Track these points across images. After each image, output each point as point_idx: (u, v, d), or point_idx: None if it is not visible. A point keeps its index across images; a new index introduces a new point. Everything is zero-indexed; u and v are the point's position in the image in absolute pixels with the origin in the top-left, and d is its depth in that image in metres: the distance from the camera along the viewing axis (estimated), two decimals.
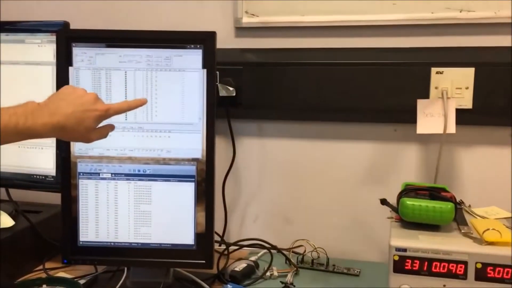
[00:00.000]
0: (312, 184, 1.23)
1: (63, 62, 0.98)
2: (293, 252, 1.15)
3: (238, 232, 1.29)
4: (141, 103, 0.88)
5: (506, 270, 0.80)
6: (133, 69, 0.97)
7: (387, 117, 1.16)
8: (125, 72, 0.97)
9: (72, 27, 1.07)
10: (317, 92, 1.16)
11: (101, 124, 0.84)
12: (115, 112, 0.84)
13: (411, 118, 1.09)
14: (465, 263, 0.81)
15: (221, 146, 1.23)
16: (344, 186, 1.21)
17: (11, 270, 1.04)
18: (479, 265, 0.81)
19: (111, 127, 0.88)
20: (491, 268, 0.81)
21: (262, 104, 1.21)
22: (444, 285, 0.82)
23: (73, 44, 0.97)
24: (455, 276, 0.82)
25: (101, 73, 0.97)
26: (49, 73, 1.08)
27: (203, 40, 0.96)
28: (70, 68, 0.97)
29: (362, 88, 1.14)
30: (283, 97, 1.19)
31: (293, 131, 1.23)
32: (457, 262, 0.82)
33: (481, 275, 0.81)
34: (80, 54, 0.97)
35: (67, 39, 0.97)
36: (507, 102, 1.06)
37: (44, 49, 1.09)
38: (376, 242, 1.20)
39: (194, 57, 0.96)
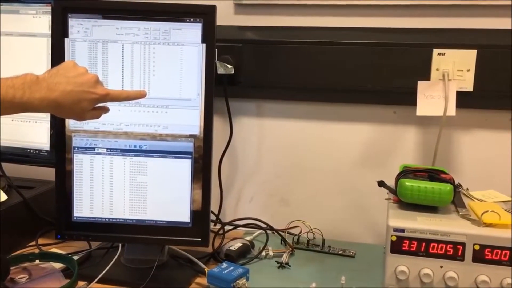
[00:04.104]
0: (309, 165, 1.22)
1: (59, 34, 0.95)
2: (288, 233, 1.15)
3: (234, 212, 1.28)
4: (140, 95, 0.88)
5: (504, 252, 0.80)
6: (130, 42, 0.95)
7: (386, 99, 1.15)
8: (122, 44, 0.95)
9: None
10: (316, 72, 1.15)
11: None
12: (112, 99, 0.84)
13: (411, 100, 1.08)
14: (463, 244, 0.81)
15: (218, 125, 1.21)
16: (341, 168, 1.20)
17: (3, 244, 1.02)
18: (477, 247, 0.81)
19: (105, 110, 0.87)
20: (489, 250, 0.80)
21: (261, 83, 1.19)
22: (441, 266, 0.82)
23: (69, 15, 0.95)
24: (452, 257, 0.82)
25: (97, 45, 0.95)
26: (44, 45, 1.06)
27: (203, 13, 0.94)
28: (65, 39, 0.95)
29: (362, 69, 1.12)
30: (282, 77, 1.17)
31: (292, 111, 1.22)
32: (455, 243, 0.81)
33: (478, 257, 0.81)
34: (76, 25, 0.95)
35: (63, 9, 0.95)
36: (508, 86, 1.05)
37: (39, 20, 1.06)
38: (372, 225, 1.19)
39: (193, 31, 0.94)
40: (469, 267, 0.81)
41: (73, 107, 0.80)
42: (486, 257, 0.80)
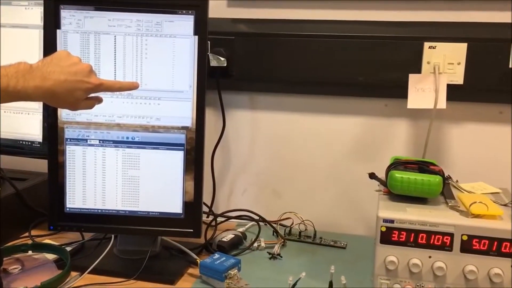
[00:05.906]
0: (301, 157, 1.23)
1: (51, 25, 0.95)
2: (280, 224, 1.16)
3: (226, 204, 1.29)
4: (133, 86, 0.88)
5: (491, 242, 0.81)
6: (122, 33, 0.95)
7: (378, 92, 1.16)
8: (115, 36, 0.95)
9: None
10: (308, 64, 1.15)
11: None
12: (106, 89, 0.85)
13: (402, 93, 1.09)
14: (451, 235, 0.82)
15: (211, 117, 1.22)
16: (333, 160, 1.21)
17: None
18: (465, 237, 0.82)
19: (99, 100, 0.87)
20: (477, 240, 0.81)
21: (253, 76, 1.20)
22: (430, 257, 0.83)
23: (61, 7, 0.95)
24: (441, 248, 0.83)
25: (89, 37, 0.95)
26: (36, 37, 1.06)
27: (195, 5, 0.94)
28: (57, 31, 0.95)
29: (354, 62, 1.13)
30: (274, 69, 1.18)
31: (284, 104, 1.22)
32: (443, 234, 0.82)
33: (466, 247, 0.82)
34: (68, 17, 0.95)
35: (55, 1, 0.95)
36: (498, 79, 1.06)
37: (31, 11, 1.06)
38: (363, 216, 1.20)
39: (185, 23, 0.95)
40: (457, 257, 0.82)
41: (67, 97, 0.80)
42: (474, 247, 0.81)
